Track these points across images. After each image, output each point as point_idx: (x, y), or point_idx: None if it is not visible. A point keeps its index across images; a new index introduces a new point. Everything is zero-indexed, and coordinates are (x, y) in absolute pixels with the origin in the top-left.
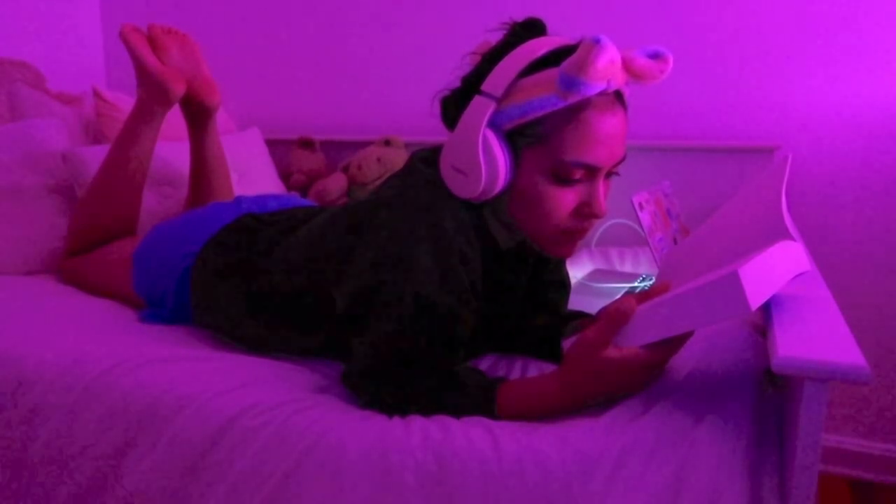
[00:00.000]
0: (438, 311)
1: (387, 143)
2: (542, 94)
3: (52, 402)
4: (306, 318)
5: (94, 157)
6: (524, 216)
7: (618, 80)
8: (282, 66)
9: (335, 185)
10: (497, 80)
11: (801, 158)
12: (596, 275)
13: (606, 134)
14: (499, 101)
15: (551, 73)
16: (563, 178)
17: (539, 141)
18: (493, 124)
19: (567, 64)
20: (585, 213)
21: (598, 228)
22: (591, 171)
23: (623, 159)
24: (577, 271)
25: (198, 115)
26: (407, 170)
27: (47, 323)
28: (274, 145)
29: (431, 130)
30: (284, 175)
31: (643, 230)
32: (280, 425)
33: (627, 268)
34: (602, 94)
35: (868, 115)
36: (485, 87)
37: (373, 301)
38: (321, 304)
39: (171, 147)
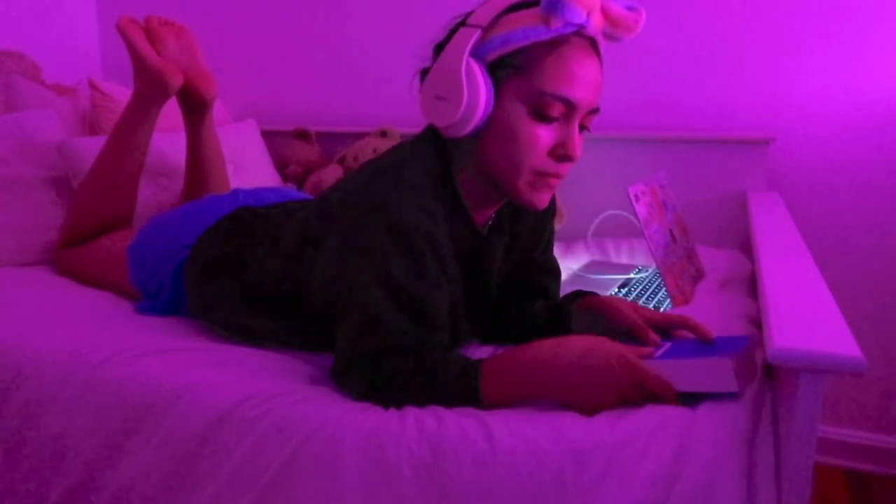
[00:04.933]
0: (406, 296)
1: (383, 134)
2: (525, 25)
3: (49, 394)
4: (293, 311)
5: (90, 148)
6: (499, 156)
7: (596, 20)
8: (278, 57)
9: (331, 176)
10: (483, 12)
11: (796, 150)
12: (592, 266)
13: (584, 73)
14: (484, 30)
15: (536, 11)
16: (541, 112)
17: (519, 72)
18: (476, 55)
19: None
20: (560, 154)
21: (594, 219)
22: (568, 110)
23: (597, 110)
24: (572, 262)
25: (194, 107)
26: (384, 154)
27: (43, 314)
28: (270, 136)
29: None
30: (280, 166)
31: (639, 221)
32: (276, 416)
33: (623, 259)
34: (580, 34)
35: (863, 107)
36: (471, 19)
37: (340, 294)
38: (304, 299)
39: (167, 138)
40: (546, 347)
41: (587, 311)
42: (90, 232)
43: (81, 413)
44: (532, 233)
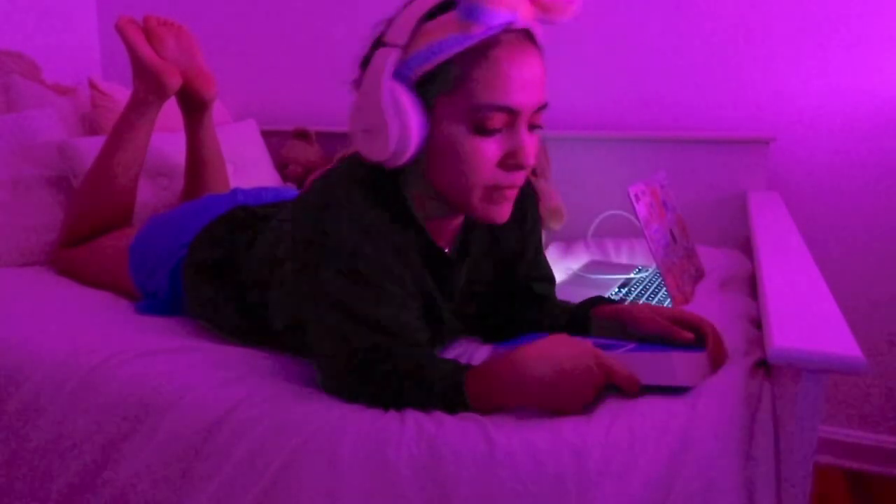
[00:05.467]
0: (360, 315)
1: None
2: (447, 34)
3: (48, 394)
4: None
5: (90, 148)
6: (446, 177)
7: (524, 12)
8: (278, 57)
9: None
10: (399, 28)
11: (796, 150)
12: (592, 266)
13: (521, 74)
14: (402, 48)
15: (454, 15)
16: (481, 126)
17: (451, 87)
18: (400, 75)
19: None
20: (511, 164)
21: (594, 219)
22: (511, 117)
23: (545, 106)
24: (572, 262)
25: (194, 107)
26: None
27: (43, 314)
28: (270, 136)
29: None
30: (280, 166)
31: (639, 221)
32: (275, 417)
33: (623, 259)
34: (510, 30)
35: (863, 107)
36: (387, 37)
37: (300, 310)
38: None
39: (167, 138)
40: (525, 356)
41: (604, 321)
42: (90, 232)
43: (81, 413)
44: (516, 240)
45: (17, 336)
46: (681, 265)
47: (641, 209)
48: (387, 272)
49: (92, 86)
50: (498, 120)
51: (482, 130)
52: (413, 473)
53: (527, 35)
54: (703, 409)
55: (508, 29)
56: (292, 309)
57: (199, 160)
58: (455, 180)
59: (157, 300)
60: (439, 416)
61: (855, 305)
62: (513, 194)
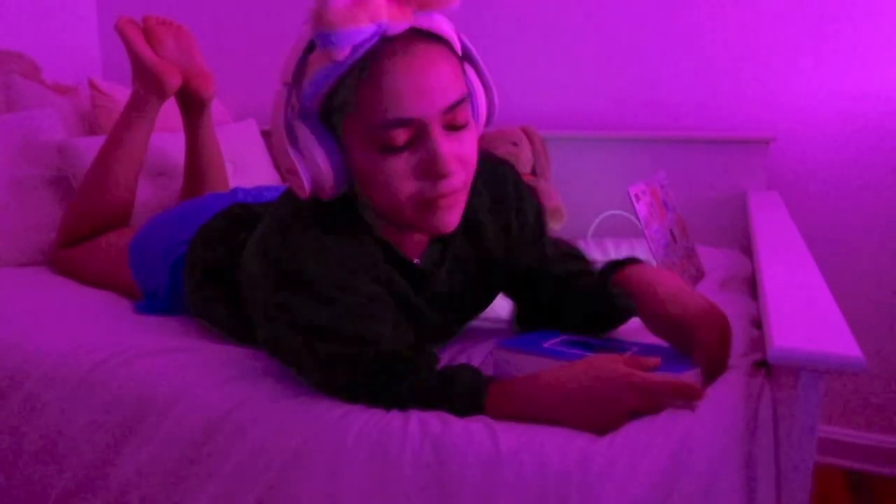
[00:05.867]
0: (347, 334)
1: None
2: (323, 64)
3: (48, 394)
4: None
5: (90, 147)
6: (374, 200)
7: (393, 14)
8: (278, 57)
9: None
10: (287, 66)
11: (796, 150)
12: None
13: (414, 81)
14: (291, 84)
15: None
16: (386, 145)
17: (347, 112)
18: (302, 113)
19: (310, 20)
20: (432, 173)
21: (594, 219)
22: (416, 127)
23: (461, 101)
24: None
25: (193, 106)
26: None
27: (42, 314)
28: (270, 136)
29: None
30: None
31: (639, 221)
32: (276, 417)
33: None
34: (387, 39)
35: (863, 107)
36: (280, 77)
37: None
38: None
39: (167, 138)
40: (552, 380)
41: (623, 292)
42: (89, 232)
43: (81, 413)
44: (505, 249)
45: (17, 336)
46: (681, 265)
47: (642, 209)
48: (345, 288)
49: (92, 86)
50: (400, 135)
51: (388, 149)
52: (416, 474)
53: (414, 36)
54: (704, 411)
55: (385, 38)
56: (270, 349)
57: (198, 160)
58: (382, 201)
59: (156, 300)
60: (444, 415)
61: (855, 305)
62: (451, 202)
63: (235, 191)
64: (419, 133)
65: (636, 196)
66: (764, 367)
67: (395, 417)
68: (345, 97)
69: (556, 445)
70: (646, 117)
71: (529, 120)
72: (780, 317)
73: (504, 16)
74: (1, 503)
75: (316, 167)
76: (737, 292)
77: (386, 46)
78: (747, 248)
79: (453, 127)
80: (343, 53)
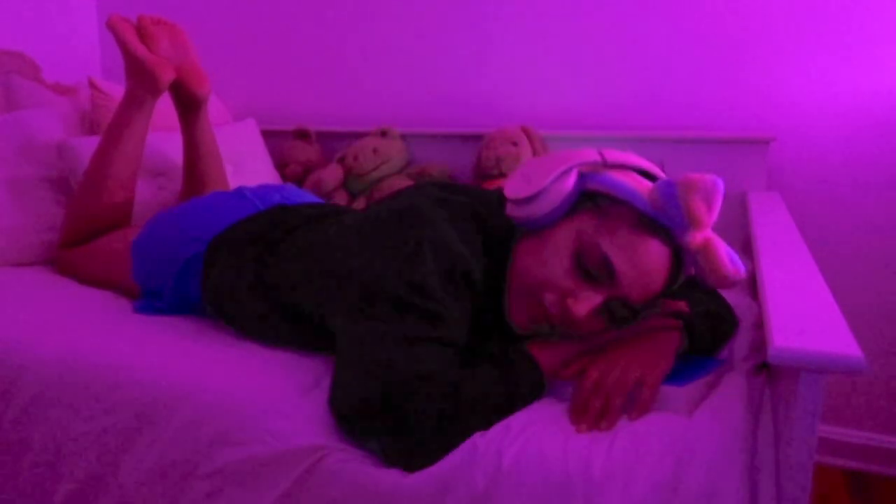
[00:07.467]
0: (430, 308)
1: (383, 133)
2: (639, 188)
3: (50, 395)
4: (306, 328)
5: (90, 147)
6: (524, 259)
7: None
8: (277, 56)
9: (331, 175)
10: (616, 156)
11: (796, 150)
12: None
13: (645, 260)
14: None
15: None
16: (582, 260)
17: (599, 213)
18: (582, 176)
19: (687, 210)
20: (564, 304)
21: None
22: (607, 278)
23: (649, 304)
24: None
25: (188, 105)
26: (415, 186)
27: (43, 315)
28: (270, 136)
29: (427, 121)
30: (280, 166)
31: None
32: (278, 417)
33: None
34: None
35: (863, 107)
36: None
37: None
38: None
39: (166, 138)
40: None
41: None
42: (89, 232)
43: (82, 414)
44: None
45: (17, 336)
46: None
47: None
48: (470, 286)
49: (92, 86)
50: (596, 267)
51: (579, 265)
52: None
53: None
54: (705, 413)
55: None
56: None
57: (196, 159)
58: (526, 265)
59: (157, 299)
60: None
61: (855, 305)
62: (542, 321)
63: (241, 189)
64: (601, 283)
65: None
66: (764, 367)
67: None
68: (612, 209)
69: (558, 451)
70: (645, 117)
71: (529, 120)
72: (780, 317)
73: (504, 16)
74: (8, 491)
75: (554, 199)
76: (737, 292)
77: (656, 232)
78: (747, 248)
79: (624, 319)
80: (659, 210)
